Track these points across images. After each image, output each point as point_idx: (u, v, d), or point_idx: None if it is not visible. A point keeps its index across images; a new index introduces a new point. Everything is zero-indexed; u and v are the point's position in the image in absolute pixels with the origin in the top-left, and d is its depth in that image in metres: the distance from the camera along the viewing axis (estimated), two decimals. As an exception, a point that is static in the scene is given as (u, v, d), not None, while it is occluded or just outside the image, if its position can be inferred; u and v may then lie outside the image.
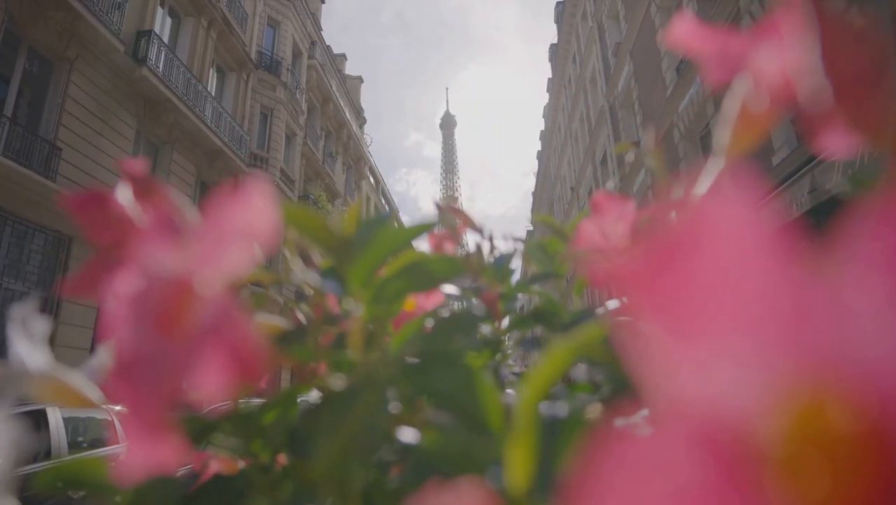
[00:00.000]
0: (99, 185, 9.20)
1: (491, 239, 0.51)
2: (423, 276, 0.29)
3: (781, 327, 0.09)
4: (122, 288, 0.15)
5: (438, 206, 0.48)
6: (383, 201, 33.60)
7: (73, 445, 5.30)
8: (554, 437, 0.17)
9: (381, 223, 0.27)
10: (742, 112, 0.20)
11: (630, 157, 14.10)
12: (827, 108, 0.17)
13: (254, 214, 0.13)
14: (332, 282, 0.26)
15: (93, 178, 9.14)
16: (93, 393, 0.28)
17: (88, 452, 5.11)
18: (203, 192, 12.94)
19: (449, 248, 0.47)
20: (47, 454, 5.13)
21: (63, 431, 5.39)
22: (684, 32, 0.20)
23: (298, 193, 17.30)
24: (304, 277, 0.25)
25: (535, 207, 44.58)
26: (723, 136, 0.22)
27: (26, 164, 7.71)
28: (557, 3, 27.45)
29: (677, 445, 0.09)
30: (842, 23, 0.18)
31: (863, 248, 0.09)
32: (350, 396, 0.19)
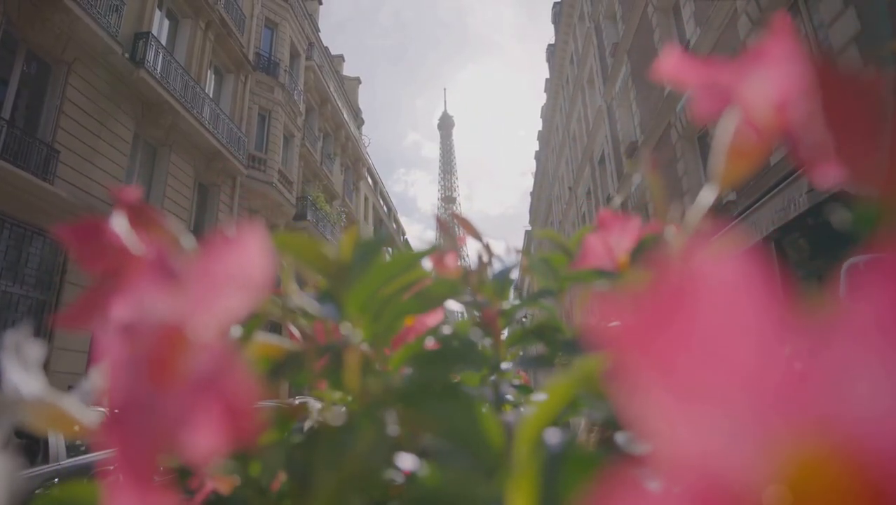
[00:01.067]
0: (97, 187, 9.19)
1: (491, 249, 0.50)
2: (423, 297, 0.29)
3: (777, 385, 0.09)
4: (115, 333, 0.15)
5: (439, 220, 0.48)
6: (381, 202, 33.61)
7: (71, 448, 5.30)
8: (556, 474, 0.17)
9: (378, 246, 0.27)
10: (734, 141, 0.20)
11: (633, 171, 14.10)
12: (821, 147, 0.17)
13: (249, 262, 0.13)
14: (330, 305, 0.26)
15: (91, 181, 9.12)
16: (88, 418, 0.28)
17: (87, 456, 5.11)
18: (201, 193, 12.94)
19: (450, 261, 0.47)
20: (45, 458, 5.13)
21: (62, 434, 5.39)
22: (673, 64, 0.20)
23: (296, 195, 17.28)
24: (301, 302, 0.25)
25: (534, 208, 44.66)
26: (716, 164, 0.22)
27: (24, 167, 7.70)
28: (554, 3, 27.47)
29: (676, 501, 0.09)
30: (843, 74, 0.18)
31: (859, 308, 0.09)
32: (349, 431, 0.19)
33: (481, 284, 0.40)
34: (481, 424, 0.19)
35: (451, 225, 0.49)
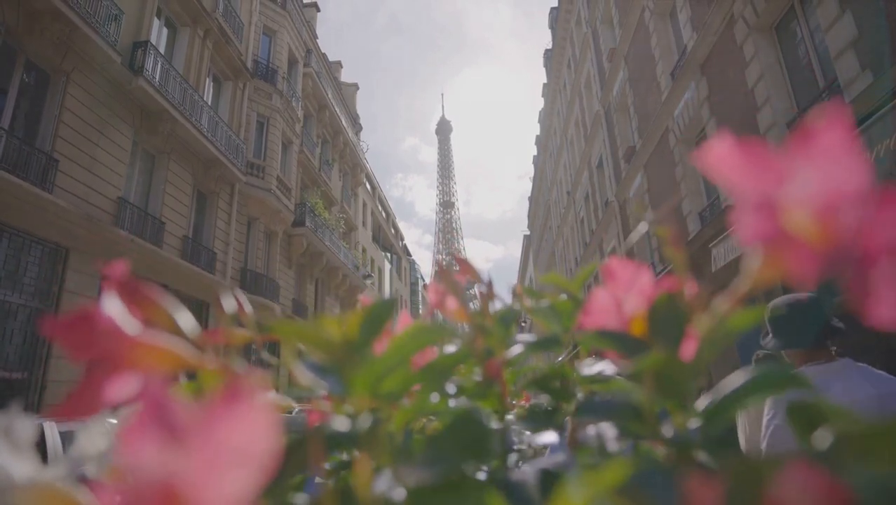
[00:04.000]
0: (96, 196, 9.17)
1: (492, 291, 0.49)
2: (430, 370, 0.28)
3: None
4: (108, 491, 0.14)
5: (440, 266, 0.47)
6: (380, 207, 33.63)
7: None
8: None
9: (386, 315, 0.26)
10: (772, 245, 0.18)
11: (630, 181, 14.12)
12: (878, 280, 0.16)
13: (252, 433, 0.12)
14: (334, 380, 0.25)
15: (90, 190, 9.11)
16: (84, 498, 0.27)
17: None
18: (200, 201, 12.93)
19: (451, 303, 0.46)
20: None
21: (60, 446, 5.37)
22: (718, 157, 0.18)
23: (295, 201, 17.28)
24: (306, 380, 0.24)
25: (532, 212, 44.72)
26: (752, 264, 0.20)
27: (23, 177, 7.68)
28: (552, 8, 27.57)
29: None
30: None
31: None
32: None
33: (485, 333, 0.39)
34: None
35: (451, 268, 0.48)
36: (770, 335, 1.73)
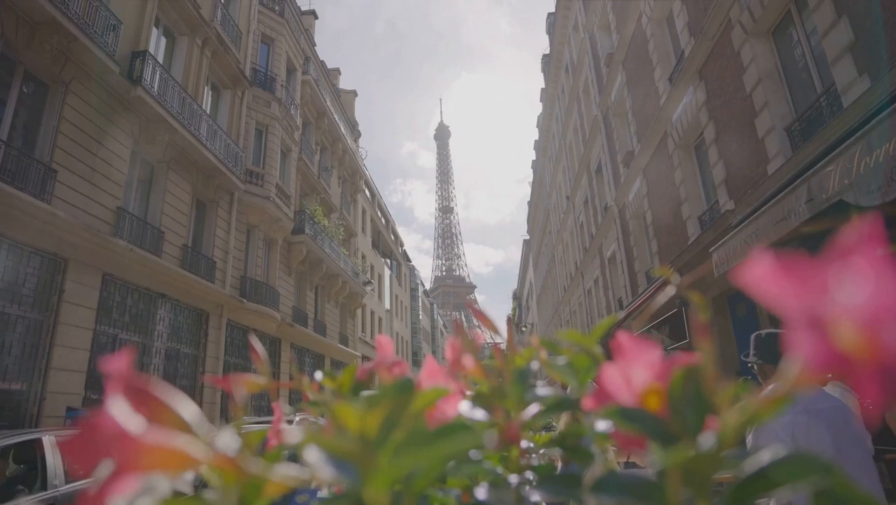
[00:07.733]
0: (95, 206, 9.16)
1: (512, 342, 0.48)
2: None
3: None
4: None
5: (458, 326, 0.46)
6: (379, 213, 33.66)
7: (71, 472, 5.25)
8: None
9: (404, 405, 0.26)
10: (819, 349, 0.18)
11: (623, 170, 14.14)
12: None
13: None
14: (349, 470, 0.24)
15: (89, 200, 9.11)
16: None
17: (86, 481, 5.05)
18: (199, 209, 12.93)
19: (468, 362, 0.45)
20: (43, 483, 5.07)
21: (60, 458, 5.35)
22: (760, 275, 0.18)
23: (294, 209, 17.29)
24: (323, 473, 0.23)
25: (531, 217, 44.79)
26: (792, 369, 0.20)
27: (21, 188, 7.68)
28: (549, 13, 27.69)
29: None
30: None
31: None
32: None
33: (501, 396, 0.38)
34: None
35: (470, 341, 0.47)
36: (752, 352, 2.45)
